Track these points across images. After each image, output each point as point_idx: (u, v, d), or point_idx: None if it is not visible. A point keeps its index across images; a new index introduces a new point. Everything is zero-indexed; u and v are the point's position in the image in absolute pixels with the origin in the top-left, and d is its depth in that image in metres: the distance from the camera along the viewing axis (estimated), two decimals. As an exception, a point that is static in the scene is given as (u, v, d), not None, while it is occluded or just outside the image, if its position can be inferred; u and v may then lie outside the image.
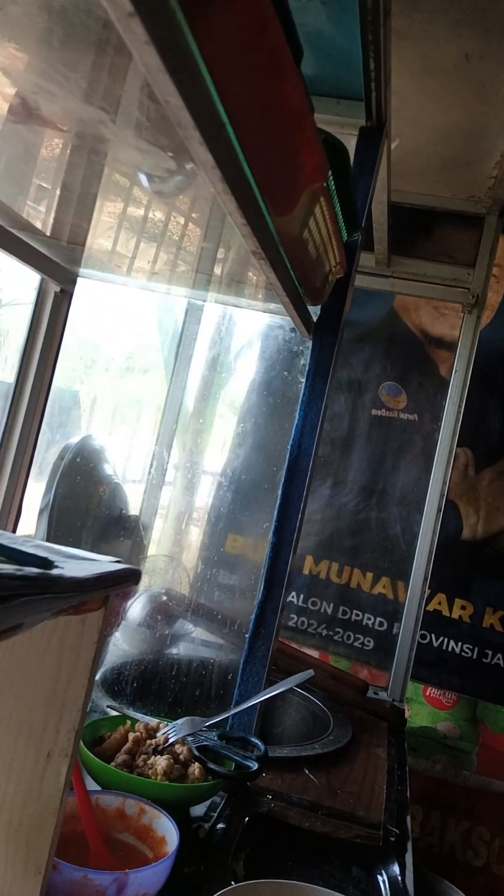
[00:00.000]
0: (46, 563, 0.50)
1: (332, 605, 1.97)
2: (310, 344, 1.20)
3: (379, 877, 0.95)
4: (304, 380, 1.19)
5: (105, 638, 0.67)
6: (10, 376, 1.30)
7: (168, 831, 0.83)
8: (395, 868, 0.97)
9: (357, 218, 1.09)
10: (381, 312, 2.02)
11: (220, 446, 2.04)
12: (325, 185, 0.84)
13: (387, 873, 0.96)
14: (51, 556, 0.52)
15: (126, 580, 0.58)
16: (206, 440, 2.04)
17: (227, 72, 0.52)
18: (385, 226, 1.66)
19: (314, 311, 1.19)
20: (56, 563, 0.51)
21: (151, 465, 2.00)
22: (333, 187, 0.92)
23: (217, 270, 1.22)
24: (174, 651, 1.61)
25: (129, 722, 1.08)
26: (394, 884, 0.93)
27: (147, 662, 1.42)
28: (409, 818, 1.16)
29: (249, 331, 1.96)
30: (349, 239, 1.09)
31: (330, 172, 0.85)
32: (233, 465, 1.98)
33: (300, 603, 1.98)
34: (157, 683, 1.34)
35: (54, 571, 0.49)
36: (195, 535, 2.05)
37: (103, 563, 0.61)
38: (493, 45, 1.22)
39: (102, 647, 0.68)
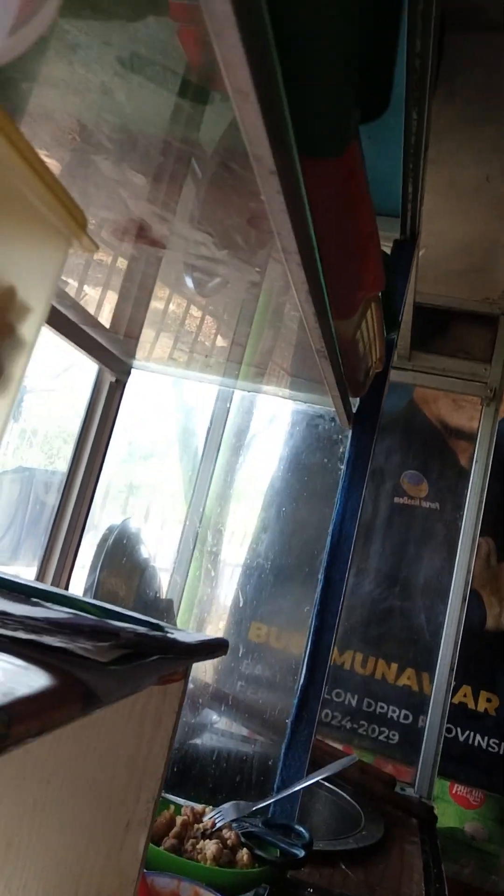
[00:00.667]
0: (159, 627, 0.54)
1: (356, 696, 1.95)
2: (349, 433, 1.27)
3: None
4: (342, 467, 1.25)
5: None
6: (61, 464, 1.36)
7: (224, 917, 0.83)
8: None
9: (397, 319, 1.18)
10: (402, 404, 2.11)
11: (246, 534, 2.08)
12: (378, 293, 0.93)
13: None
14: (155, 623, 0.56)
15: (221, 649, 0.61)
16: (234, 527, 2.08)
17: (321, 208, 0.61)
18: (409, 324, 1.77)
19: (353, 403, 1.26)
20: (166, 629, 0.55)
21: (179, 551, 2.03)
22: (381, 295, 1.01)
23: (254, 361, 1.30)
24: (197, 741, 1.60)
25: (172, 807, 1.08)
26: None
27: (186, 748, 1.41)
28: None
29: (284, 418, 2.04)
30: (388, 337, 1.18)
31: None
32: (259, 552, 2.02)
33: (324, 694, 1.97)
34: (196, 769, 1.33)
35: (169, 635, 0.53)
36: (219, 623, 2.06)
37: (190, 632, 0.65)
38: None
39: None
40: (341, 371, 1.00)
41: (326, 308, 0.75)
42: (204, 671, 1.95)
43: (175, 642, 0.52)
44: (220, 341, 1.24)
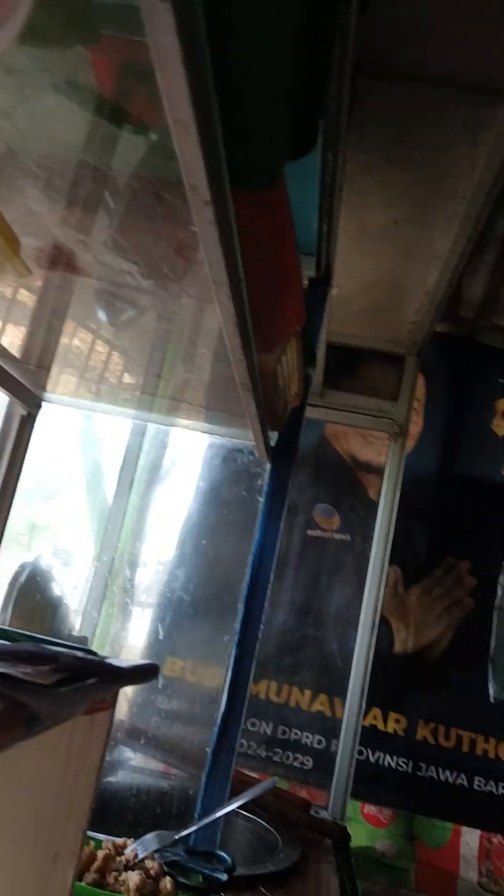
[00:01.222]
0: (93, 653, 0.57)
1: (270, 724, 1.99)
2: (267, 466, 1.32)
3: None
4: (261, 500, 1.30)
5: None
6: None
7: (150, 944, 0.84)
8: None
9: (314, 354, 1.26)
10: (314, 439, 2.20)
11: (162, 569, 2.09)
12: (298, 330, 1.00)
13: None
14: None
15: (153, 673, 0.64)
16: (150, 562, 2.09)
17: (251, 240, 0.67)
18: (322, 362, 1.86)
19: (271, 437, 1.32)
20: (99, 654, 0.58)
21: (91, 588, 2.02)
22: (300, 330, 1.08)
23: (169, 394, 1.34)
24: (112, 779, 1.59)
25: (92, 842, 1.08)
26: None
27: (103, 785, 1.41)
28: (366, 932, 1.18)
29: (201, 452, 2.08)
30: (306, 372, 1.25)
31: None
32: (175, 586, 2.04)
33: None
34: (115, 805, 1.33)
35: (105, 660, 0.56)
36: (133, 658, 2.05)
37: (121, 659, 0.67)
38: (418, 213, 1.45)
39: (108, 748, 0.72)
40: (262, 404, 1.06)
41: (251, 340, 0.80)
42: (118, 708, 1.94)
43: (111, 666, 0.55)
44: (131, 375, 1.28)
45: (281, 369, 1.06)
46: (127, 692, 1.96)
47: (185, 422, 1.50)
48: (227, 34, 0.51)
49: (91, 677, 0.52)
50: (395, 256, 1.63)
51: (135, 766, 1.71)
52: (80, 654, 0.54)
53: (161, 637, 1.99)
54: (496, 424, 2.18)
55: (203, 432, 1.57)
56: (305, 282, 1.40)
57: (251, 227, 0.66)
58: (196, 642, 2.00)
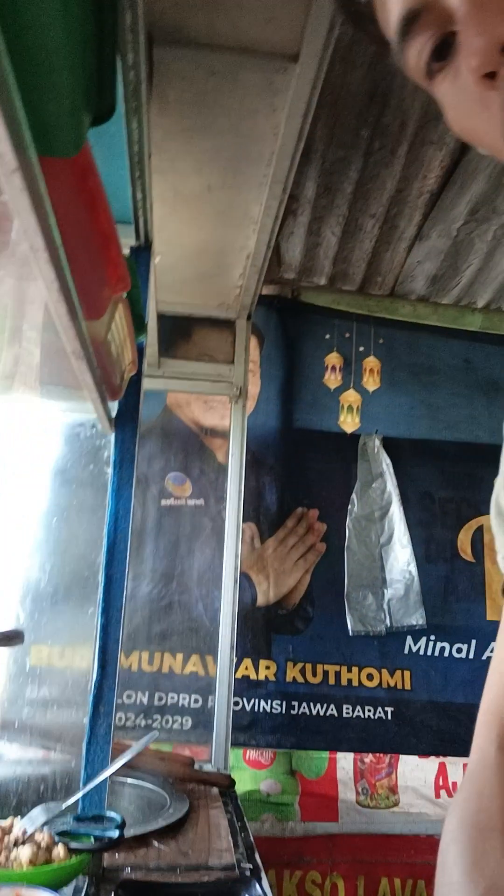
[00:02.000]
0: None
1: (146, 693, 2.03)
2: (111, 437, 1.34)
3: (245, 903, 1.04)
4: (110, 470, 1.32)
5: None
6: None
7: (49, 906, 0.86)
8: (257, 889, 1.06)
9: (143, 321, 1.28)
10: (158, 410, 2.23)
11: (14, 555, 2.04)
12: (124, 295, 1.01)
13: (250, 895, 1.05)
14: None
15: (18, 638, 0.66)
16: (4, 550, 2.03)
17: (62, 205, 0.68)
18: (155, 332, 1.88)
19: (112, 408, 1.34)
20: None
21: None
22: (126, 297, 1.10)
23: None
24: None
25: (-23, 830, 1.06)
26: (259, 905, 1.03)
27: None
28: (257, 855, 1.26)
29: (42, 431, 2.03)
30: (138, 340, 1.28)
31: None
32: (32, 572, 2.00)
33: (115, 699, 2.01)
34: (-4, 790, 1.31)
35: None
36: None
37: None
38: (228, 178, 1.48)
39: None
40: (97, 373, 1.07)
41: (77, 307, 0.81)
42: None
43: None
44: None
45: (112, 336, 1.07)
46: (-4, 687, 1.91)
47: (22, 401, 1.47)
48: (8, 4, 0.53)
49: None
50: (213, 222, 1.67)
51: (13, 760, 1.68)
52: None
53: (22, 622, 1.94)
54: (328, 378, 2.32)
55: (42, 410, 1.55)
56: (127, 250, 1.41)
57: (62, 193, 0.68)
58: (61, 626, 1.98)
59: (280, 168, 1.38)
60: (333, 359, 2.33)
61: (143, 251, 1.40)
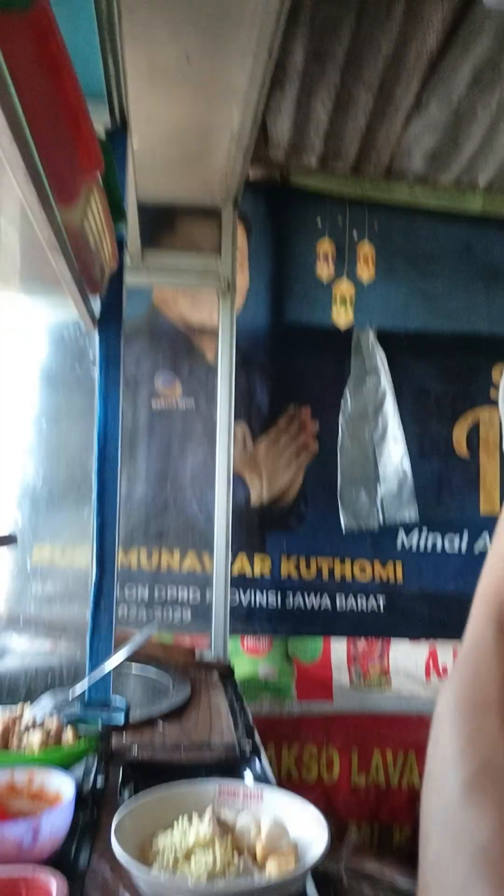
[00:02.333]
0: None
1: (146, 587, 2.08)
2: (96, 336, 1.31)
3: (245, 774, 1.10)
4: (96, 369, 1.30)
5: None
6: None
7: (61, 784, 0.90)
8: (257, 766, 1.13)
9: (122, 209, 1.21)
10: (143, 309, 2.17)
11: (11, 459, 2.04)
12: (98, 181, 0.96)
13: (252, 771, 1.11)
14: None
15: (9, 540, 0.66)
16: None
17: (20, 71, 0.62)
18: (136, 224, 1.79)
19: (95, 308, 1.29)
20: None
21: None
22: (102, 183, 1.03)
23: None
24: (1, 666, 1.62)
25: (-12, 719, 1.11)
26: (258, 777, 1.09)
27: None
28: (256, 735, 1.33)
29: (26, 333, 1.99)
30: (117, 231, 1.21)
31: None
32: (27, 474, 2.01)
33: (116, 594, 2.07)
34: (7, 682, 1.37)
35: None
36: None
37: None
38: (209, 45, 1.35)
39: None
40: (75, 266, 1.02)
41: (47, 190, 0.76)
42: (-6, 602, 1.94)
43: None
44: None
45: (88, 226, 1.02)
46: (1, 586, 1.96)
47: (4, 300, 1.43)
48: None
49: None
50: (194, 97, 1.54)
51: (22, 652, 1.74)
52: None
53: (21, 525, 1.97)
54: (320, 268, 2.25)
55: (26, 310, 1.50)
56: (102, 132, 1.31)
57: (19, 58, 0.61)
58: (60, 526, 2.01)
59: (264, 30, 1.25)
60: (325, 246, 2.25)
61: (118, 132, 1.30)
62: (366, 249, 2.26)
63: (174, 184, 1.97)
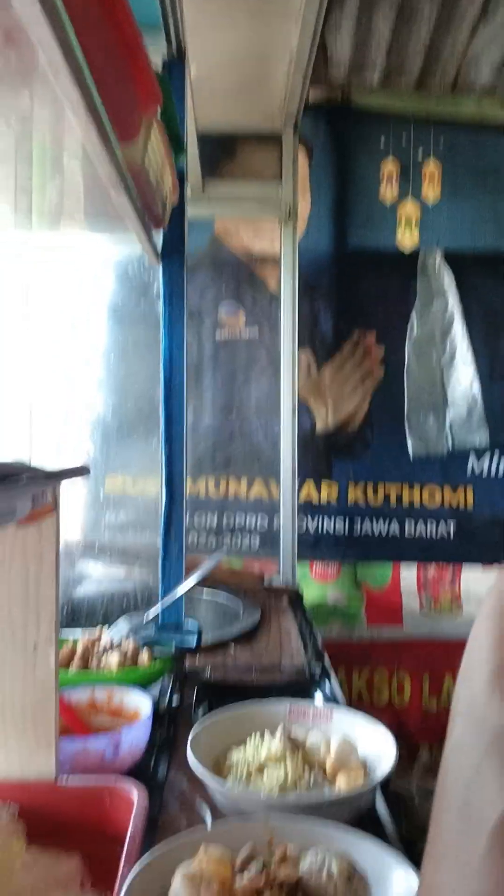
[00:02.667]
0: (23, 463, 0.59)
1: (215, 514, 2.13)
2: (159, 270, 1.30)
3: (315, 695, 1.14)
4: (161, 303, 1.30)
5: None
6: None
7: (139, 701, 0.96)
8: (326, 687, 1.16)
9: (181, 142, 1.19)
10: (205, 240, 2.15)
11: (82, 392, 2.09)
12: (157, 115, 0.93)
13: (322, 692, 1.15)
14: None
15: (84, 470, 0.68)
16: (69, 386, 2.07)
17: (77, 16, 0.61)
18: (196, 154, 1.76)
19: (157, 241, 1.29)
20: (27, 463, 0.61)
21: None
22: (160, 116, 1.01)
23: (46, 208, 1.26)
24: (79, 591, 1.71)
25: (70, 640, 1.18)
26: (328, 698, 1.13)
27: (71, 599, 1.52)
28: (326, 658, 1.37)
29: (92, 270, 2.00)
30: (177, 163, 1.19)
31: (159, 102, 0.94)
32: (98, 407, 2.06)
33: (186, 522, 2.13)
34: (85, 608, 1.44)
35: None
36: (73, 484, 2.11)
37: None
38: None
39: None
40: (137, 202, 1.02)
41: (108, 128, 0.75)
42: (71, 529, 2.03)
43: (41, 468, 0.58)
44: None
45: (149, 161, 1.00)
46: (77, 515, 2.04)
47: (70, 235, 1.43)
48: None
49: (23, 474, 0.55)
50: (250, 20, 1.51)
51: (98, 578, 1.83)
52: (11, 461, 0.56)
53: (93, 456, 2.04)
54: (383, 191, 2.16)
55: (89, 246, 1.51)
56: (158, 62, 1.28)
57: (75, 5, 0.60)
58: (131, 458, 2.06)
59: None
60: (389, 166, 2.15)
61: (176, 62, 1.27)
62: (431, 168, 2.15)
63: (233, 111, 1.93)
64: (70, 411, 2.07)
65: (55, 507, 0.75)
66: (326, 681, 1.20)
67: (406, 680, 2.14)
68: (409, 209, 2.15)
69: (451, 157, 2.15)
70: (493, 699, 0.37)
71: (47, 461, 0.68)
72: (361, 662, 2.13)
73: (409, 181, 2.15)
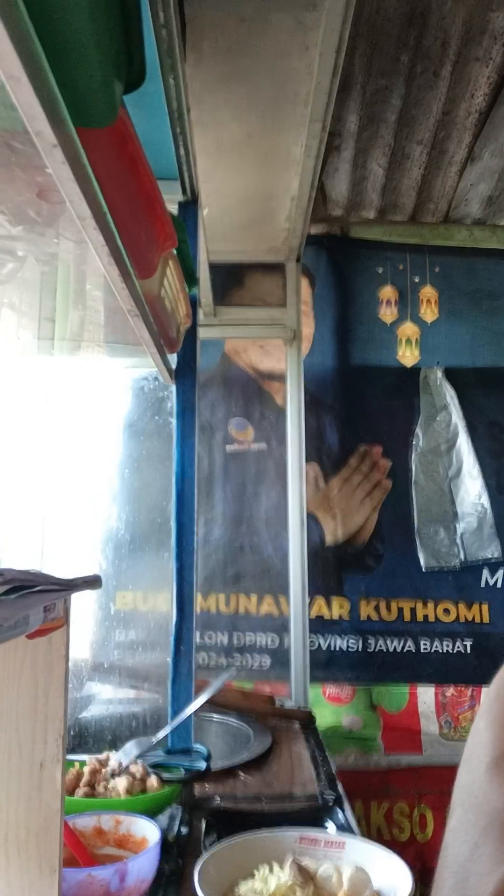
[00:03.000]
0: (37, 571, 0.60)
1: (225, 633, 2.09)
2: (173, 388, 1.36)
3: (328, 825, 1.08)
4: (173, 420, 1.35)
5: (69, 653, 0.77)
6: None
7: (147, 830, 0.92)
8: (340, 816, 1.11)
9: (194, 275, 1.28)
10: (216, 359, 2.24)
11: (96, 506, 2.11)
12: (173, 251, 1.02)
13: (334, 822, 1.09)
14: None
15: (96, 582, 0.69)
16: (80, 500, 2.10)
17: (104, 174, 0.69)
18: (208, 282, 1.88)
19: (171, 361, 1.36)
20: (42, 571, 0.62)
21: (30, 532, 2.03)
22: (176, 253, 1.10)
23: (68, 335, 1.35)
24: (87, 714, 1.66)
25: (77, 764, 1.14)
26: (341, 827, 1.07)
27: (78, 720, 1.47)
28: (340, 785, 1.30)
29: (109, 387, 2.09)
30: (190, 293, 1.28)
31: (174, 240, 1.03)
32: (110, 521, 2.07)
33: (196, 640, 2.09)
34: (93, 730, 1.40)
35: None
36: (83, 599, 2.09)
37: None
38: (267, 123, 1.48)
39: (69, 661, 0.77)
40: (154, 329, 1.08)
41: (128, 267, 0.82)
42: (80, 648, 1.99)
43: (54, 577, 0.59)
44: (25, 321, 1.27)
45: (165, 292, 1.08)
46: (86, 632, 2.01)
47: (87, 358, 1.51)
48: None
49: (37, 585, 0.56)
50: (256, 168, 1.66)
51: (106, 699, 1.78)
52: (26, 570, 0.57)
53: (104, 569, 2.03)
54: (383, 313, 2.27)
55: (107, 368, 1.58)
56: (175, 206, 1.41)
57: (102, 161, 0.69)
58: (142, 573, 2.05)
59: (317, 106, 1.35)
60: (388, 292, 2.27)
61: (190, 205, 1.40)
62: (428, 292, 2.27)
63: (241, 245, 2.09)
64: (83, 523, 2.08)
65: (66, 619, 0.75)
66: (339, 809, 1.14)
67: (428, 812, 2.01)
68: (409, 329, 2.26)
69: (447, 282, 2.28)
70: (492, 784, 0.39)
71: (58, 572, 0.69)
72: (380, 795, 2.01)
73: (408, 305, 2.27)
